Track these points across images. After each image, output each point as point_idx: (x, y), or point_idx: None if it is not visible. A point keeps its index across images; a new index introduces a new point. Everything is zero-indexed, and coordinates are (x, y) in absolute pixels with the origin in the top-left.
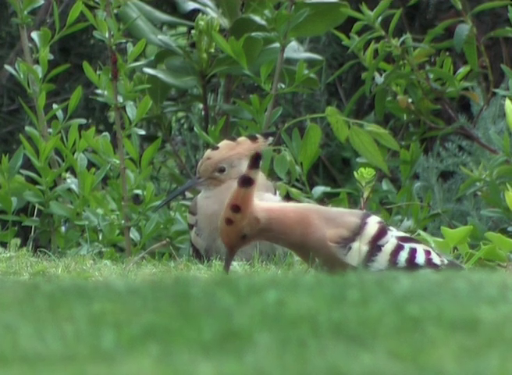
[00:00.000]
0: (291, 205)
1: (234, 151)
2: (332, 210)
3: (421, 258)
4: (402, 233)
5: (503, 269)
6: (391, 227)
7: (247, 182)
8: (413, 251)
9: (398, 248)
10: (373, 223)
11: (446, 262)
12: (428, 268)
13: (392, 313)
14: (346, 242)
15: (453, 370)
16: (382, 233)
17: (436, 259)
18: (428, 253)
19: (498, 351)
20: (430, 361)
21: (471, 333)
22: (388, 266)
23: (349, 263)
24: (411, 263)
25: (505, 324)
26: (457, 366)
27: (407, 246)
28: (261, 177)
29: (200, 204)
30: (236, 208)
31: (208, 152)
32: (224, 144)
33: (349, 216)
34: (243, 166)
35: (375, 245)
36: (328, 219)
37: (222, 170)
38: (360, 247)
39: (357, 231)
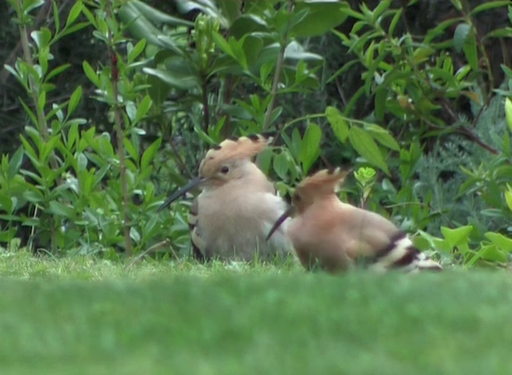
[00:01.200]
0: (348, 207)
1: (236, 150)
2: (365, 217)
3: None
4: (429, 263)
5: (503, 269)
6: (421, 254)
7: (346, 168)
8: None
9: None
10: (401, 247)
11: None
12: None
13: (392, 313)
14: (367, 261)
15: (452, 370)
16: (406, 260)
17: None
18: None
19: (498, 351)
20: (430, 361)
21: (471, 333)
22: None
23: None
24: None
25: (505, 324)
26: (457, 366)
27: None
28: (261, 177)
29: (202, 204)
30: (329, 172)
31: (211, 152)
32: (226, 143)
33: (380, 231)
34: (245, 166)
35: (395, 269)
36: (353, 227)
37: (225, 170)
38: (379, 268)
39: (382, 253)
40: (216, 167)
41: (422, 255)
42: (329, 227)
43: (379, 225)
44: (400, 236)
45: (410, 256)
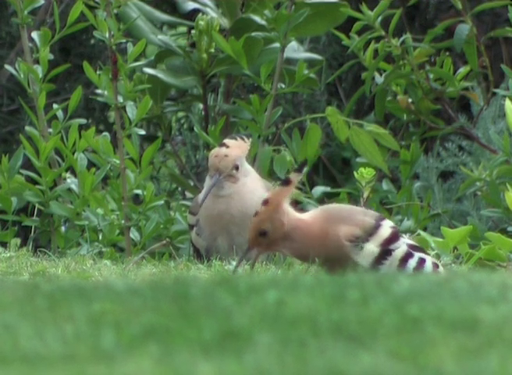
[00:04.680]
0: (318, 215)
1: (241, 149)
2: (346, 209)
3: (428, 269)
4: (412, 242)
5: (503, 269)
6: (403, 234)
7: (285, 182)
8: (421, 261)
9: (408, 256)
10: (387, 226)
11: None
12: None
13: (392, 313)
14: (359, 241)
15: (452, 370)
16: (394, 237)
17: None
18: (436, 266)
19: (498, 351)
20: (430, 361)
21: (471, 333)
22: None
23: (360, 263)
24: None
25: (505, 324)
26: (457, 366)
27: (417, 255)
28: (259, 177)
29: (206, 204)
30: (265, 201)
31: (223, 150)
32: (232, 142)
33: (363, 215)
34: (246, 165)
35: (387, 249)
36: (342, 218)
37: (237, 168)
38: (372, 248)
39: (371, 231)
40: (232, 164)
41: (403, 234)
42: (328, 234)
43: (361, 211)
44: (382, 218)
45: (396, 234)
